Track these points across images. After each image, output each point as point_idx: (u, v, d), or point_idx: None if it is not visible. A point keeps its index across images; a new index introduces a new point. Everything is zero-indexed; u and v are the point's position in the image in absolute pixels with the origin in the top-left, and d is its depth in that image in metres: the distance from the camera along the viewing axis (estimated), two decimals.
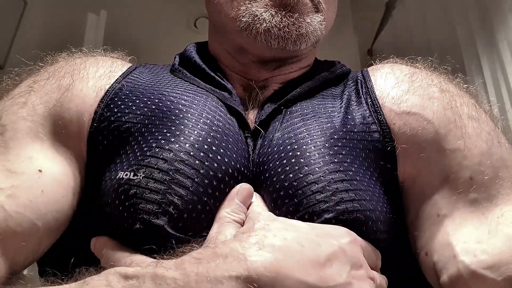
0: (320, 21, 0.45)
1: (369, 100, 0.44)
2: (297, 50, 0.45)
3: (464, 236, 0.37)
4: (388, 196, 0.40)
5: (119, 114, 0.41)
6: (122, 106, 0.42)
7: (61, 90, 0.43)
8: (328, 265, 0.30)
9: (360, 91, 0.46)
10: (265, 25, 0.43)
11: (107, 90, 0.43)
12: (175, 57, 0.54)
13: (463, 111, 0.42)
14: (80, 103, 0.42)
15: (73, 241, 0.41)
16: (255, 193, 0.39)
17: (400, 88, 0.44)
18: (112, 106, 0.42)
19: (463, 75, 0.48)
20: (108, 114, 0.41)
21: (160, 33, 2.12)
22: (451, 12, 1.54)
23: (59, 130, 0.41)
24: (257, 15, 0.43)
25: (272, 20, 0.43)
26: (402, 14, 1.94)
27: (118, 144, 0.40)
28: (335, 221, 0.35)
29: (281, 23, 0.43)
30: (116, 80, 0.45)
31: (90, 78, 0.44)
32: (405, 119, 0.42)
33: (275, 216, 0.36)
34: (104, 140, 0.40)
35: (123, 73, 0.47)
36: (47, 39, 1.81)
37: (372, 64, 0.52)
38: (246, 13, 0.44)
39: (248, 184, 0.38)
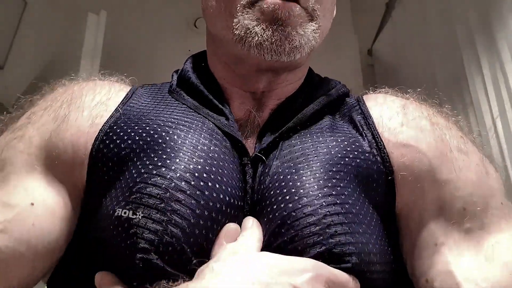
0: (314, 29, 0.45)
1: (369, 133, 0.45)
2: (292, 60, 0.45)
3: (464, 264, 0.39)
4: (386, 227, 0.41)
5: (115, 149, 0.41)
6: (118, 141, 0.42)
7: (57, 122, 0.44)
8: None
9: (359, 121, 0.47)
10: (257, 39, 0.42)
11: (106, 120, 0.44)
12: (172, 75, 0.54)
13: (453, 144, 0.44)
14: (74, 132, 0.43)
15: (74, 267, 0.42)
16: (253, 219, 0.39)
17: (395, 120, 0.46)
18: (107, 139, 0.42)
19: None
20: (105, 145, 0.42)
21: (160, 33, 2.12)
22: (451, 12, 1.55)
23: (53, 161, 0.42)
24: (249, 28, 0.43)
25: (263, 34, 0.42)
26: (402, 14, 1.94)
27: (113, 175, 0.40)
28: (327, 254, 0.35)
29: (273, 37, 0.42)
30: (115, 109, 0.45)
31: (86, 107, 0.45)
32: (402, 150, 0.43)
33: (238, 250, 0.36)
34: (100, 171, 0.41)
35: (122, 100, 0.47)
36: (47, 39, 1.81)
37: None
38: (238, 26, 0.43)
39: (234, 224, 0.38)
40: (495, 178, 0.44)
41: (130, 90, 0.50)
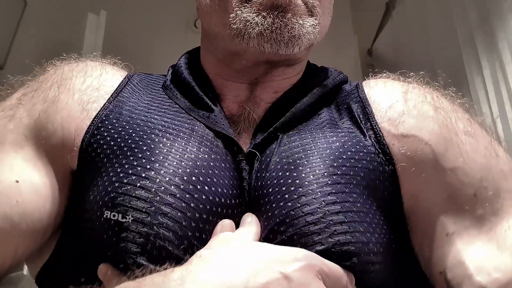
0: (313, 24, 0.44)
1: (368, 124, 0.44)
2: (290, 53, 0.45)
3: (476, 254, 0.37)
4: (393, 224, 0.40)
5: (105, 146, 0.41)
6: (108, 138, 0.41)
7: (46, 102, 0.44)
8: None
9: (357, 111, 0.46)
10: (257, 29, 0.42)
11: (97, 113, 0.43)
12: (168, 70, 0.53)
13: (459, 128, 0.42)
14: (65, 115, 0.43)
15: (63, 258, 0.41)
16: (252, 216, 0.39)
17: (395, 109, 0.44)
18: (98, 134, 0.42)
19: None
20: (95, 140, 0.42)
21: (160, 33, 2.12)
22: (451, 12, 1.54)
23: (42, 141, 0.42)
24: (248, 20, 0.42)
25: (264, 22, 0.42)
26: (402, 14, 1.94)
27: (101, 170, 0.40)
28: (326, 253, 0.35)
29: (273, 24, 0.42)
30: (108, 99, 0.45)
31: (76, 90, 0.45)
32: (403, 141, 0.42)
33: (230, 240, 0.35)
34: (90, 164, 0.41)
35: (115, 89, 0.47)
36: (47, 39, 1.81)
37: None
38: (236, 20, 0.43)
39: (229, 220, 0.38)
40: (505, 160, 0.42)
41: (125, 77, 0.49)
